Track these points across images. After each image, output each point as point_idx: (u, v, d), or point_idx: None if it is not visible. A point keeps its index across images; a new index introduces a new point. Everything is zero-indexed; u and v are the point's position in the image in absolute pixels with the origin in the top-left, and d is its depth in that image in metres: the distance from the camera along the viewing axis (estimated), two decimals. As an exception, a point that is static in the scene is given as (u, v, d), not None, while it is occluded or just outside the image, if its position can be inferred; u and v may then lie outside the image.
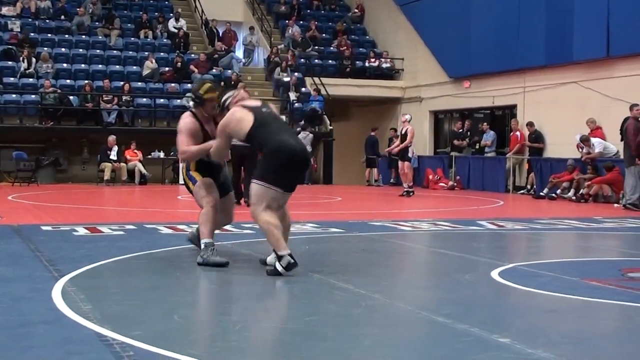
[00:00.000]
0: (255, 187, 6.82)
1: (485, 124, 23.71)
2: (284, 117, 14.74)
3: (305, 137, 22.03)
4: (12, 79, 24.03)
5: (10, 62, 24.59)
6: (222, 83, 24.48)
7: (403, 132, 18.62)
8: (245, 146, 7.78)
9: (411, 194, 18.80)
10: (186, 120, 7.50)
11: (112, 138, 22.24)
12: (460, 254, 8.75)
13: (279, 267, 6.67)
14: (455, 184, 22.71)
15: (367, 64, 27.94)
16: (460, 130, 24.37)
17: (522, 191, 20.96)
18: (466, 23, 24.25)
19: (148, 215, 11.18)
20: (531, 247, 10.28)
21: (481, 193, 21.01)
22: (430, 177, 23.51)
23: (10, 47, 24.92)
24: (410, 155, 19.13)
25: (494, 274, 7.06)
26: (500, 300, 6.26)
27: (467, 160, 23.33)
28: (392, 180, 24.73)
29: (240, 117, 6.98)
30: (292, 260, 6.67)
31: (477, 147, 23.64)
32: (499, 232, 11.26)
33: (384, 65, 28.09)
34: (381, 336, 4.83)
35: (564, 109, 20.76)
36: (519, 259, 8.85)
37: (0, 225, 10.75)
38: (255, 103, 7.30)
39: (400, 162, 19.14)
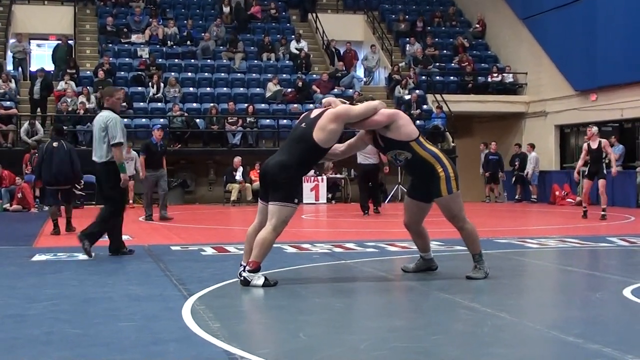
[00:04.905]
0: None
1: (613, 137, 23.04)
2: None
3: None
4: (141, 103, 24.83)
5: (140, 88, 25.45)
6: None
7: (595, 147, 16.08)
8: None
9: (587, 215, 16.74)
10: None
11: (237, 159, 22.69)
12: (590, 271, 8.52)
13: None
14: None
15: (489, 79, 27.63)
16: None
17: (654, 206, 20.26)
18: (592, 34, 23.69)
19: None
20: (665, 264, 9.89)
21: (610, 209, 20.38)
22: (557, 193, 23.02)
23: (140, 73, 25.81)
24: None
25: (627, 292, 6.84)
26: (634, 319, 6.04)
27: (596, 175, 22.68)
28: (517, 197, 24.35)
29: None
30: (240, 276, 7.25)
31: (606, 161, 22.95)
32: (630, 249, 10.89)
33: (507, 80, 27.72)
34: (509, 356, 4.74)
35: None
36: (652, 276, 8.52)
37: (132, 245, 11.09)
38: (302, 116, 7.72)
39: (597, 180, 16.69)
